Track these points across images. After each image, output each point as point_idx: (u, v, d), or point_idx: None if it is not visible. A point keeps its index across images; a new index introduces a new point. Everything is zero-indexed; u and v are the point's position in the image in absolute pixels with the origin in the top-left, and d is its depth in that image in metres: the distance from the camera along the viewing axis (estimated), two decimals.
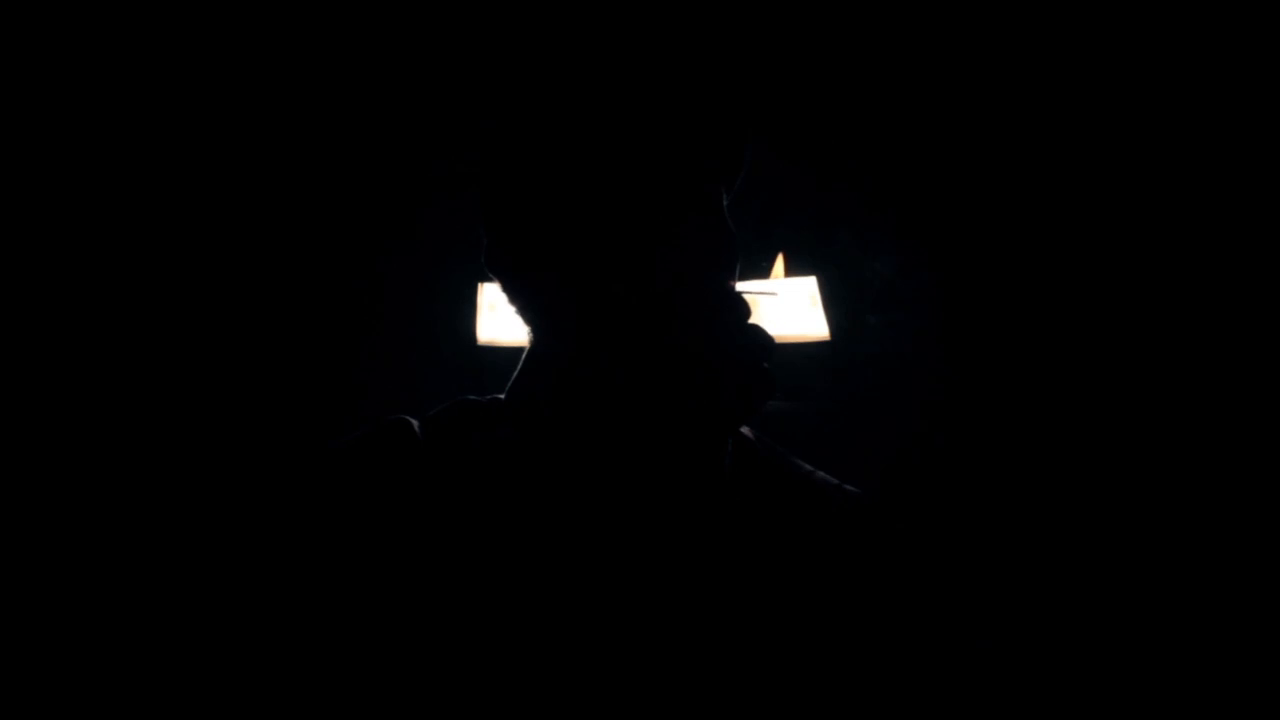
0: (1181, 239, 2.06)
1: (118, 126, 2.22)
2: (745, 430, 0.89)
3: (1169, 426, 2.01)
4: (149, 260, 2.25)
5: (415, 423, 0.84)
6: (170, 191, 2.27)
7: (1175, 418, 2.01)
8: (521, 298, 0.85)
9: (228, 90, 2.28)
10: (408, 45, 2.33)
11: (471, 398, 0.88)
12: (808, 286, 2.23)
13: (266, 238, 2.34)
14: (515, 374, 0.87)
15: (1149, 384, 2.06)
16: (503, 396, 0.87)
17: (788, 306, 2.19)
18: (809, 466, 0.90)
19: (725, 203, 0.83)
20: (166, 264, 2.26)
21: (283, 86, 2.31)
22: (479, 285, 2.30)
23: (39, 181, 2.17)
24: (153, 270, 2.25)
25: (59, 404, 2.14)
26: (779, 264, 2.22)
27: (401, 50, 2.33)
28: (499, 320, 2.29)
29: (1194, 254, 2.05)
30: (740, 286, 0.81)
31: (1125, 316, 2.11)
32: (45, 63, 2.15)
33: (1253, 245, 2.00)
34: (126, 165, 2.24)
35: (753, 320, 0.77)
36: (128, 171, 2.24)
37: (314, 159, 2.37)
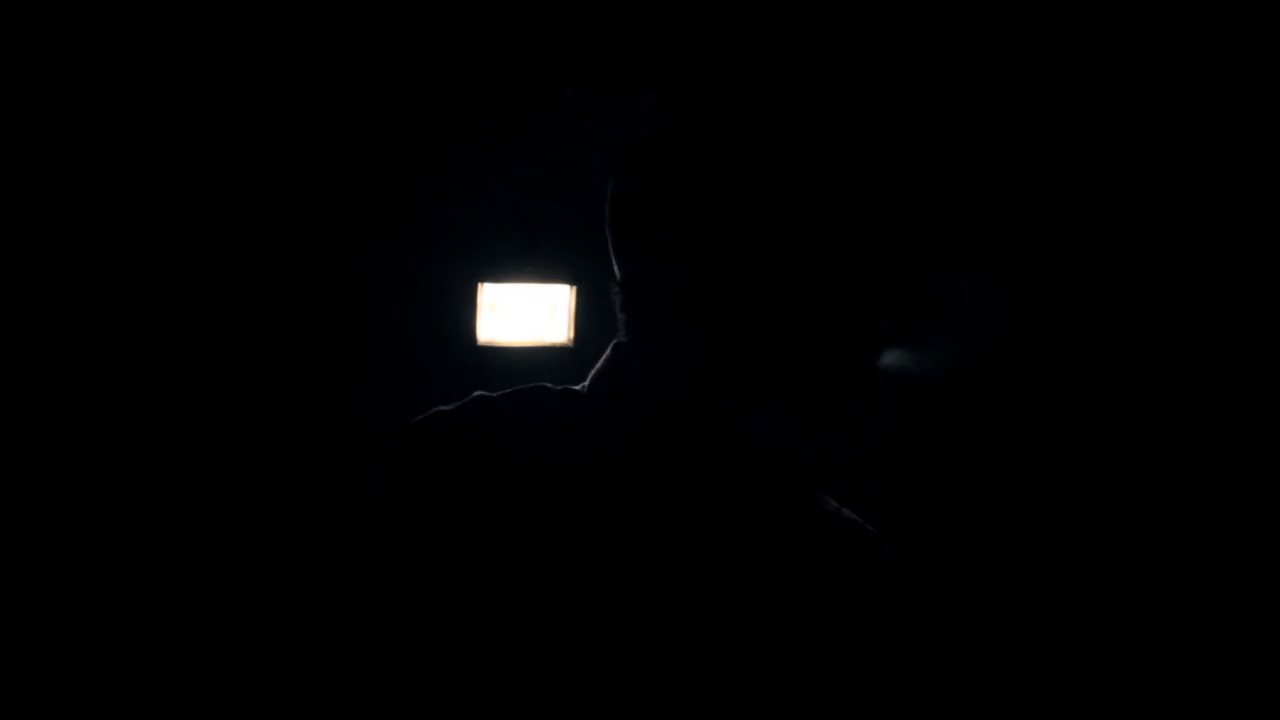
0: (1195, 242, 2.06)
1: (110, 123, 2.22)
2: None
3: (1176, 434, 2.01)
4: (146, 260, 2.24)
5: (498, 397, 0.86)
6: (164, 187, 2.27)
7: (1181, 426, 2.01)
8: (647, 305, 0.87)
9: (224, 83, 2.27)
10: (414, 43, 2.32)
11: (546, 384, 0.90)
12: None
13: (265, 237, 2.33)
14: (601, 365, 0.89)
15: (1154, 388, 2.05)
16: (579, 387, 0.89)
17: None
18: (835, 504, 0.91)
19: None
20: (163, 262, 2.26)
21: (283, 80, 2.31)
22: (479, 285, 2.30)
23: (28, 179, 2.16)
24: (149, 269, 2.24)
25: (62, 401, 2.14)
26: None
27: (407, 48, 2.33)
28: (499, 320, 2.30)
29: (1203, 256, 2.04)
30: None
31: (1131, 323, 2.10)
32: (35, 54, 2.14)
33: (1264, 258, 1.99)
34: (122, 162, 2.23)
35: None
36: (122, 169, 2.23)
37: (314, 157, 2.36)
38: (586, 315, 2.38)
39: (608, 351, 0.90)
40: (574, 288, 2.35)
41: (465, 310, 2.32)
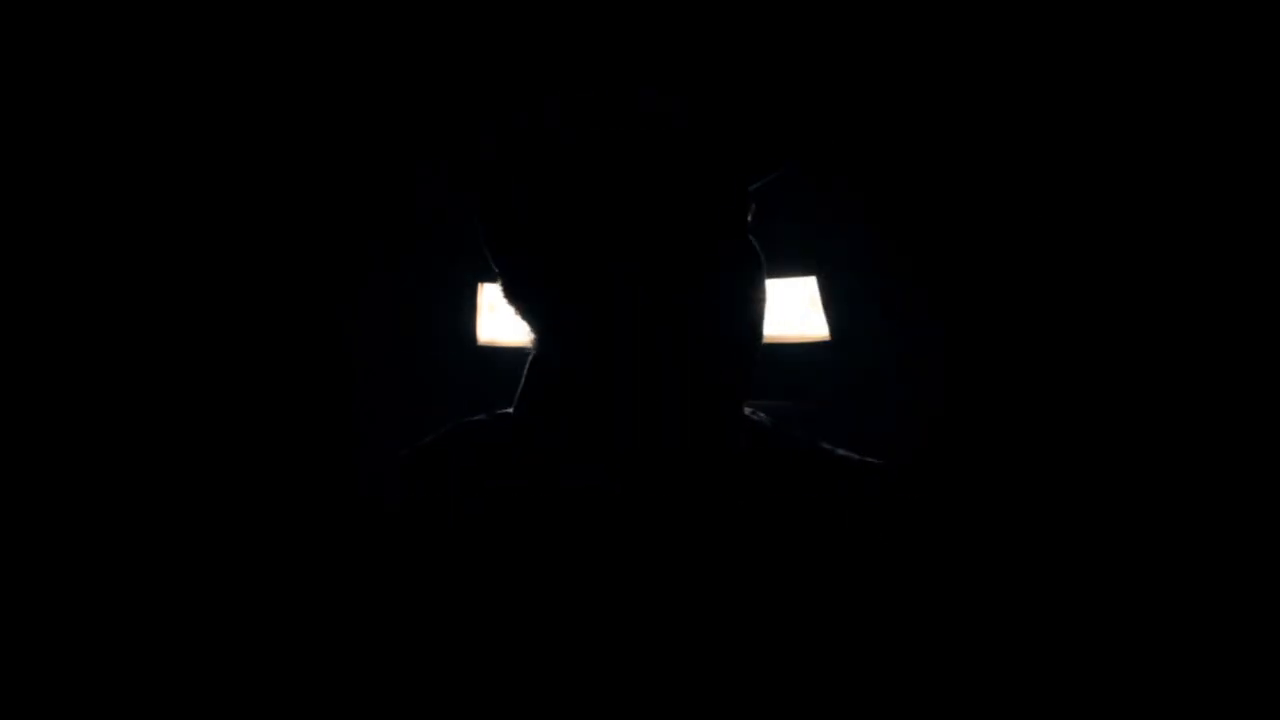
0: (1183, 240, 2.06)
1: (109, 122, 2.22)
2: (762, 417, 0.91)
3: (1167, 426, 2.01)
4: (145, 260, 2.24)
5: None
6: (164, 189, 2.27)
7: (1173, 416, 2.01)
8: (534, 312, 0.86)
9: (223, 87, 2.28)
10: (408, 45, 2.32)
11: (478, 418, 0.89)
12: (808, 287, 2.23)
13: (265, 238, 2.33)
14: (522, 386, 0.88)
15: (1147, 385, 2.06)
16: (511, 410, 0.88)
17: (788, 307, 2.20)
18: (829, 445, 0.92)
19: (750, 217, 0.84)
20: (163, 263, 2.26)
21: (280, 83, 2.31)
22: (479, 285, 2.30)
23: (29, 178, 2.16)
24: (148, 270, 2.24)
25: (60, 400, 2.14)
26: None
27: (401, 49, 2.33)
28: (499, 320, 2.29)
29: (1194, 255, 2.05)
30: None
31: (1123, 319, 2.10)
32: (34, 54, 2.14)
33: (1247, 253, 2.00)
34: (120, 162, 2.23)
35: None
36: (121, 168, 2.23)
37: (313, 158, 2.36)
38: None
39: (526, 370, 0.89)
40: None
41: (465, 310, 2.31)
